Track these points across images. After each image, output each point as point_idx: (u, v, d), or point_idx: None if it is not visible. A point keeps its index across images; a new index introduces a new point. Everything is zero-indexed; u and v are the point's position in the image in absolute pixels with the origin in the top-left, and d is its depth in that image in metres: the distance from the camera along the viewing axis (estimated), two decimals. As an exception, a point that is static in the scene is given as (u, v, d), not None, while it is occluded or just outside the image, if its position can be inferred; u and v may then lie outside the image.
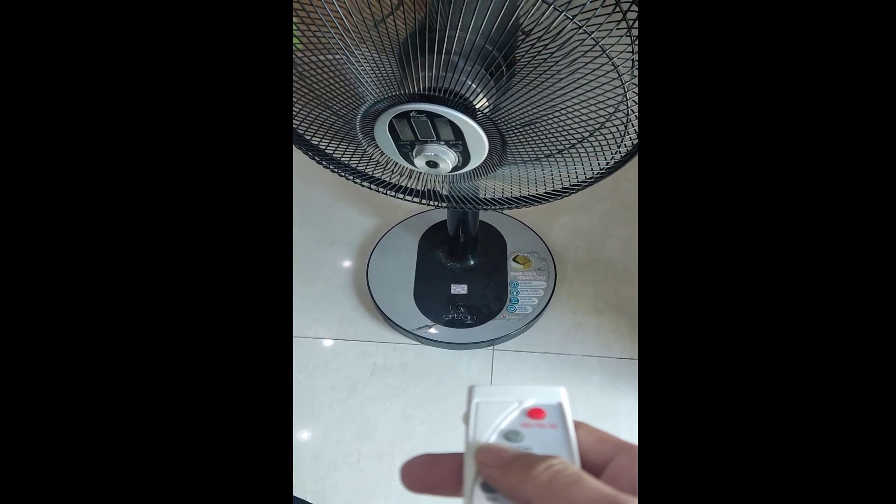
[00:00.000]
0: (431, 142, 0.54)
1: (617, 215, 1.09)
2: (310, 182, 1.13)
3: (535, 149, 0.57)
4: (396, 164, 0.62)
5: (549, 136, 0.54)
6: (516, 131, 0.54)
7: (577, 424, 0.21)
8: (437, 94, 0.48)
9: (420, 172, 0.66)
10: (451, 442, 0.84)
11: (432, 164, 0.55)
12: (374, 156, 0.63)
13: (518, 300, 0.94)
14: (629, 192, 1.12)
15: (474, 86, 0.49)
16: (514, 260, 0.99)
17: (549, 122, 0.52)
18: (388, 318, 0.93)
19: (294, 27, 0.45)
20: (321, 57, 0.49)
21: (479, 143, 0.53)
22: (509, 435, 0.21)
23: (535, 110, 0.50)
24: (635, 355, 0.91)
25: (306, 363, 0.92)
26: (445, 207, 0.76)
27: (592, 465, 0.20)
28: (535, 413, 0.22)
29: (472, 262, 0.99)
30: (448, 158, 0.54)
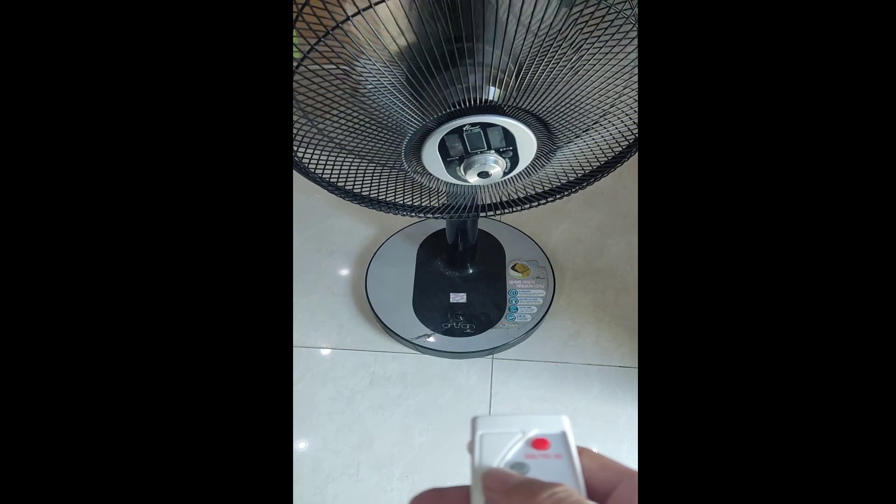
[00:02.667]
0: (481, 152, 0.54)
1: (615, 224, 1.10)
2: (307, 191, 1.13)
3: (577, 123, 0.58)
4: (440, 183, 0.62)
5: (586, 106, 0.55)
6: (556, 113, 0.54)
7: (581, 450, 0.22)
8: (483, 104, 0.49)
9: (420, 189, 0.67)
10: (450, 452, 0.84)
11: (484, 174, 0.56)
12: (425, 182, 0.63)
13: (517, 308, 0.94)
14: (627, 200, 1.12)
15: (500, 91, 0.50)
16: (513, 268, 0.99)
17: (582, 93, 0.53)
18: (387, 328, 0.92)
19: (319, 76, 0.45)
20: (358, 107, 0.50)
21: (528, 144, 0.54)
22: (515, 467, 0.21)
23: (562, 91, 0.51)
24: (635, 363, 0.91)
25: (304, 373, 0.91)
26: (446, 218, 0.76)
27: (596, 493, 0.20)
28: (538, 443, 0.22)
29: (470, 271, 0.99)
30: (499, 165, 0.56)
